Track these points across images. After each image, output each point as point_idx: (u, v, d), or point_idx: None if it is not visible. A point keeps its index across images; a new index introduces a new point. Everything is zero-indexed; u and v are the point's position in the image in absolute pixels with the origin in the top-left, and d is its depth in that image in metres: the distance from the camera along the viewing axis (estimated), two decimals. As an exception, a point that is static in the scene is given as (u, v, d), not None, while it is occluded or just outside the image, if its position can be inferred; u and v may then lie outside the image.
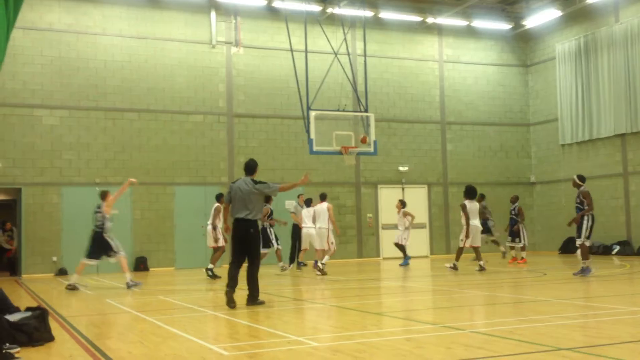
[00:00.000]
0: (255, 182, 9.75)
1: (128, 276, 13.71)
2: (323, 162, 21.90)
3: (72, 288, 13.32)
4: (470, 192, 15.93)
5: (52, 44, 19.73)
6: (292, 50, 18.31)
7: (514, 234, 18.05)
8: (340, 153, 17.65)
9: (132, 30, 20.59)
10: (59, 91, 19.71)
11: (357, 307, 9.88)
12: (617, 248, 21.30)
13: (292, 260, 18.68)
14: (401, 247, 18.90)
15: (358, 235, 22.92)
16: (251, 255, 9.80)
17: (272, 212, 17.15)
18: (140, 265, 19.76)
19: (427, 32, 24.35)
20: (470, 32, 24.84)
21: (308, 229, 16.95)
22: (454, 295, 11.27)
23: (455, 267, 15.64)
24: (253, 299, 9.72)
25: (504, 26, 24.71)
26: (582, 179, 13.83)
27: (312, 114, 17.20)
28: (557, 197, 24.26)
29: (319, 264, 15.97)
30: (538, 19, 23.95)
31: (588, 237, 13.32)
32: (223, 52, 21.61)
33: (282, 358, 5.82)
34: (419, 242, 23.51)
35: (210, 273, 15.54)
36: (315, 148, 17.21)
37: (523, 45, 25.82)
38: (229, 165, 21.38)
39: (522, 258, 17.84)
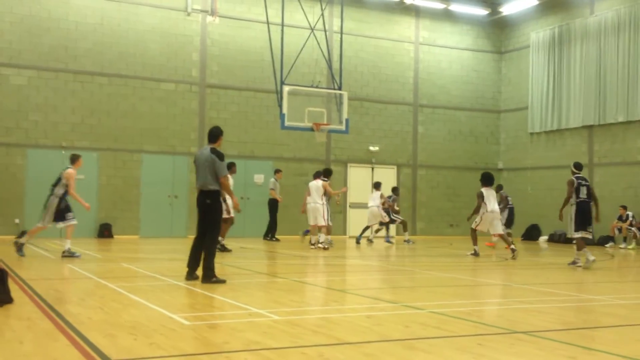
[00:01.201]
0: (212, 151, 9.17)
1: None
2: (294, 137, 21.86)
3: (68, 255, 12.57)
4: (487, 179, 15.30)
5: (22, 1, 19.23)
6: (268, 23, 18.16)
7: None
8: (311, 129, 17.66)
9: (106, -8, 20.17)
10: (28, 50, 19.26)
11: (321, 283, 9.95)
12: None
13: (267, 234, 19.00)
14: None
15: (325, 213, 22.96)
16: (209, 226, 9.22)
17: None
18: (105, 231, 19.58)
19: (404, 13, 24.31)
20: (447, 16, 24.87)
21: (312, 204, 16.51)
22: (416, 276, 11.41)
23: (476, 253, 14.89)
24: (208, 276, 9.02)
25: (481, 12, 24.80)
26: (577, 166, 13.07)
27: (286, 88, 17.13)
28: (523, 185, 24.62)
29: (316, 239, 16.06)
30: (514, 6, 24.09)
31: (576, 230, 12.63)
32: (198, 21, 21.31)
33: (241, 329, 5.85)
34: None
35: (219, 247, 14.52)
36: (286, 123, 17.18)
37: (498, 31, 25.96)
38: (199, 135, 21.20)
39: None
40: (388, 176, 23.89)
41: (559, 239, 21.86)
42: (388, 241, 19.80)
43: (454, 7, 24.36)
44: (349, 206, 23.11)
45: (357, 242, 19.47)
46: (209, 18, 21.23)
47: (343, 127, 18.10)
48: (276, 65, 17.62)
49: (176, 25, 21.01)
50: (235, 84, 21.72)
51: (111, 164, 20.10)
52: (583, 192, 12.62)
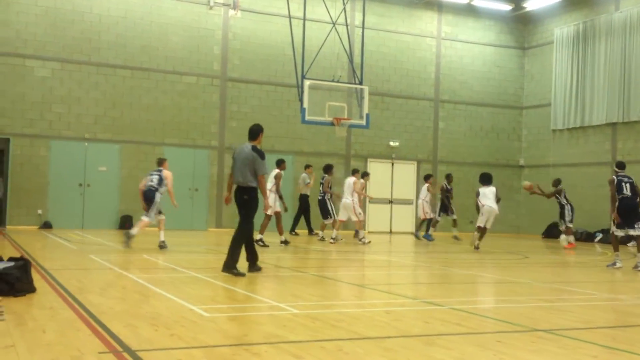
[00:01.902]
0: (254, 149, 9.29)
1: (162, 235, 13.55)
2: (314, 132, 21.85)
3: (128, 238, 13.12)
4: (483, 179, 16.38)
5: (47, -6, 19.41)
6: (290, 17, 18.14)
7: None
8: (332, 124, 17.63)
9: (130, -15, 20.29)
10: (52, 42, 19.45)
11: (340, 278, 9.96)
12: (599, 236, 21.51)
13: (293, 229, 19.22)
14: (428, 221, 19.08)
15: (344, 207, 22.96)
16: (242, 219, 9.36)
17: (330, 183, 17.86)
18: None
19: (426, 8, 24.17)
20: (470, 11, 24.69)
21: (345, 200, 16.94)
22: (435, 272, 11.37)
23: (477, 247, 15.62)
24: (229, 266, 9.09)
25: (504, 7, 24.57)
26: (619, 165, 12.86)
27: (307, 83, 17.12)
28: (545, 182, 24.35)
29: (359, 234, 16.76)
30: (538, 2, 23.83)
31: (618, 227, 12.24)
32: (220, 14, 21.37)
33: (261, 322, 5.87)
34: (405, 218, 23.66)
35: (260, 243, 14.49)
36: (307, 117, 17.17)
37: (522, 27, 25.71)
38: (219, 129, 21.28)
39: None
40: (407, 172, 23.82)
41: (580, 237, 21.64)
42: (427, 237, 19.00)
43: (477, 2, 24.15)
44: (369, 202, 23.06)
45: (416, 237, 19.26)
46: (231, 12, 21.29)
47: (363, 122, 18.05)
48: (297, 59, 17.61)
49: (198, 18, 21.09)
50: (257, 77, 21.75)
51: (133, 157, 20.25)
52: (626, 189, 12.26)
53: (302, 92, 17.15)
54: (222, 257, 9.51)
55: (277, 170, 15.24)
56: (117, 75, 20.13)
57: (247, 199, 9.25)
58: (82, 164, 19.62)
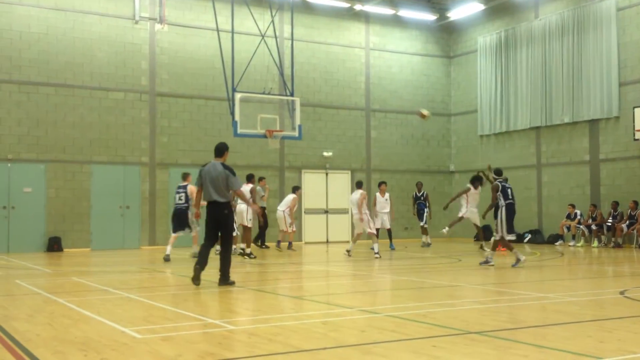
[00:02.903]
0: (225, 167, 9.86)
1: (194, 248, 14.96)
2: (247, 145, 21.74)
3: (167, 259, 14.54)
4: (472, 180, 17.48)
5: (-38, 10, 18.67)
6: (218, 30, 18.05)
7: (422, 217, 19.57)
8: (264, 136, 17.59)
9: (50, 1, 19.73)
10: (-31, 61, 18.69)
11: (276, 290, 9.90)
12: (528, 236, 22.17)
13: (257, 240, 18.89)
14: (389, 232, 18.66)
15: (280, 219, 22.89)
16: (224, 235, 9.97)
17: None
18: (54, 245, 19.10)
19: (354, 19, 24.48)
20: (397, 21, 25.15)
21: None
22: (372, 280, 11.45)
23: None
24: (224, 279, 9.89)
25: (429, 17, 25.14)
26: (497, 172, 13.54)
27: (237, 95, 17.04)
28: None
29: (374, 248, 15.70)
30: (462, 11, 24.50)
31: (508, 232, 12.92)
32: (147, 29, 21.04)
33: (196, 341, 5.76)
34: (340, 228, 23.78)
35: (243, 253, 15.61)
36: (239, 130, 17.08)
37: (447, 36, 26.37)
38: (150, 145, 20.90)
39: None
40: (342, 181, 23.98)
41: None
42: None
43: (403, 13, 24.63)
44: (304, 212, 23.08)
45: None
46: (158, 26, 20.98)
47: (296, 134, 18.09)
48: (227, 72, 17.51)
49: (124, 33, 20.70)
50: (186, 92, 21.50)
51: (60, 176, 19.64)
52: (509, 194, 12.96)
53: (233, 105, 17.06)
54: (157, 276, 9.30)
55: (251, 185, 16.11)
56: (40, 93, 19.51)
57: (226, 214, 9.89)
58: (5, 185, 18.89)
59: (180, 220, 14.86)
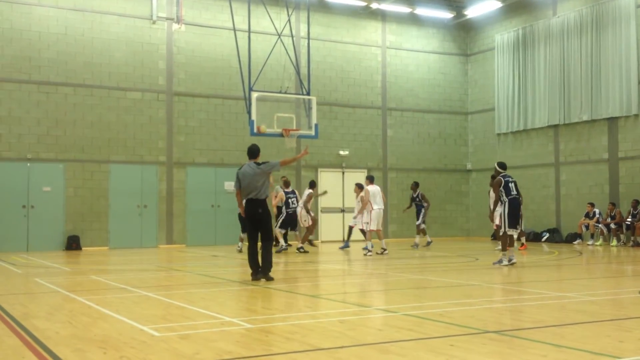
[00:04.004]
0: (258, 164, 10.49)
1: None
2: (263, 144, 21.56)
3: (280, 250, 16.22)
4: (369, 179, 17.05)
5: (-18, 12, 18.89)
6: (235, 30, 18.10)
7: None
8: (281, 135, 17.61)
9: (69, 1, 19.91)
10: (-11, 62, 18.91)
11: (293, 289, 9.92)
12: (546, 235, 22.04)
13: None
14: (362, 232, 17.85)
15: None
16: (264, 232, 10.49)
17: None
18: (73, 244, 19.28)
19: (370, 18, 24.44)
20: (413, 20, 25.07)
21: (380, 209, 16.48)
22: (389, 279, 11.44)
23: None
24: (265, 274, 10.32)
25: (446, 15, 25.04)
26: (501, 166, 13.32)
27: (254, 95, 17.08)
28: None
29: (382, 246, 16.40)
30: (479, 9, 24.38)
31: (509, 227, 12.68)
32: (164, 29, 21.16)
33: (213, 339, 5.79)
34: (356, 227, 23.72)
35: (301, 250, 17.19)
36: (256, 130, 17.10)
37: (464, 34, 26.24)
38: (167, 144, 21.02)
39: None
40: (358, 180, 23.90)
41: (527, 238, 22.10)
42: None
43: (420, 11, 24.55)
44: (320, 211, 23.09)
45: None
46: (175, 26, 21.09)
47: (312, 132, 18.09)
48: (244, 71, 17.56)
49: (142, 33, 20.83)
50: (203, 91, 21.60)
51: (79, 175, 19.82)
52: (512, 189, 12.77)
53: (250, 104, 17.10)
54: (175, 274, 9.36)
55: (310, 190, 17.73)
56: (58, 93, 19.69)
57: (261, 212, 10.42)
58: (25, 184, 19.11)
59: (292, 221, 17.25)
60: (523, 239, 17.93)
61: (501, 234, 12.98)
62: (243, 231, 16.52)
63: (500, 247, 14.78)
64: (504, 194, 12.77)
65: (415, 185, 19.72)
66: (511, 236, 12.85)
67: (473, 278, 11.17)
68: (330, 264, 14.90)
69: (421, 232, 19.46)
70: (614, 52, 20.61)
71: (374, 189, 16.45)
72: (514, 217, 12.74)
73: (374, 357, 5.05)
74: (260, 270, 10.42)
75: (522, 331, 6.03)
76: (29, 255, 17.16)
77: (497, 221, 15.79)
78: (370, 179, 16.97)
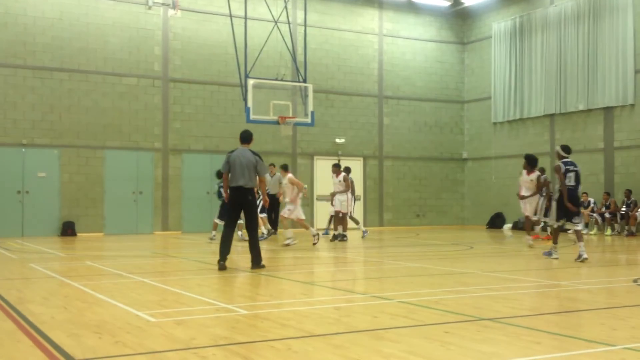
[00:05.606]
0: (254, 153, 10.25)
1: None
2: (259, 131, 21.58)
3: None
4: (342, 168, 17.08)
5: (-23, -4, 18.74)
6: (231, 16, 18.01)
7: None
8: (277, 123, 17.57)
9: (64, -14, 19.76)
10: (-17, 46, 18.79)
11: (288, 276, 9.93)
12: (541, 224, 22.04)
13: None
14: (353, 218, 17.91)
15: (292, 206, 22.92)
16: (249, 220, 10.27)
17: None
18: (68, 230, 19.26)
19: (367, 5, 24.35)
20: (410, 7, 24.98)
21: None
22: (384, 267, 11.47)
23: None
24: (256, 263, 10.19)
25: (443, 3, 24.96)
26: (565, 149, 11.88)
27: (250, 82, 17.03)
28: (487, 174, 24.91)
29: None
30: (476, -3, 24.30)
31: (557, 219, 11.54)
32: (160, 14, 21.04)
33: (209, 325, 5.80)
34: (354, 214, 23.75)
35: (343, 237, 16.74)
36: (252, 117, 17.09)
37: (461, 22, 26.17)
38: (163, 130, 20.96)
39: None
40: (354, 168, 23.91)
41: (522, 226, 22.15)
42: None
43: (417, -1, 24.49)
44: (316, 199, 23.10)
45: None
46: (171, 11, 20.98)
47: (309, 120, 18.06)
48: (240, 58, 17.49)
49: (137, 19, 20.71)
50: (199, 77, 21.51)
51: (74, 161, 19.77)
52: (570, 178, 11.43)
53: (246, 91, 17.05)
54: (171, 260, 9.37)
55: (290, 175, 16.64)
56: (54, 79, 19.60)
57: (251, 199, 10.17)
58: (19, 170, 19.06)
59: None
60: (538, 228, 17.52)
61: (549, 224, 11.72)
62: (220, 217, 15.70)
63: (531, 241, 14.59)
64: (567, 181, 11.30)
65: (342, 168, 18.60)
66: (556, 229, 11.66)
67: (468, 266, 11.20)
68: (325, 251, 14.91)
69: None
70: (611, 41, 20.60)
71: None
72: (564, 210, 11.33)
73: (368, 344, 5.07)
74: (252, 262, 10.26)
75: (516, 319, 6.06)
76: (23, 241, 17.14)
77: (527, 212, 15.21)
78: (285, 168, 16.09)
